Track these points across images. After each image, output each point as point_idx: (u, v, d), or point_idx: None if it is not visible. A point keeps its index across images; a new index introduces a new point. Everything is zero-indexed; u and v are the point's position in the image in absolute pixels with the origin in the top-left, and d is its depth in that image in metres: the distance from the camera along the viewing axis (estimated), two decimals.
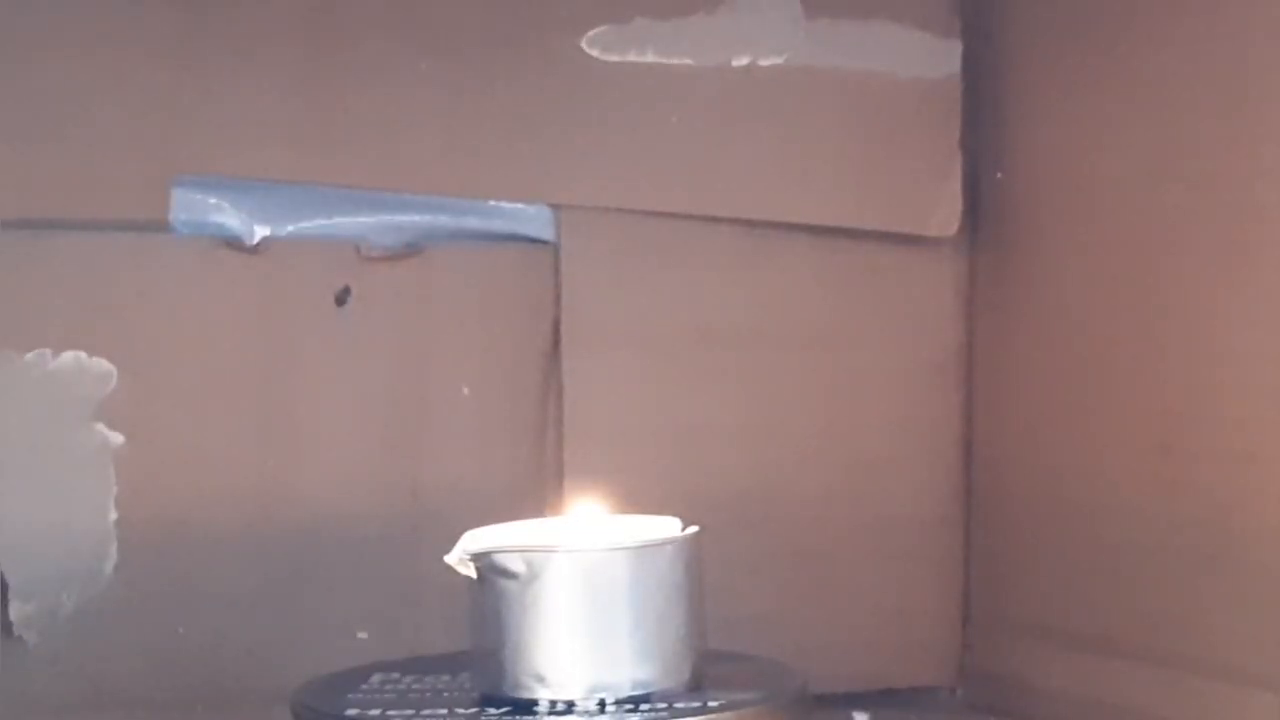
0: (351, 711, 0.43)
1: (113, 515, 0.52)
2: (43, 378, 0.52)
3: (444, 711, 0.43)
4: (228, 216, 0.54)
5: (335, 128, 0.54)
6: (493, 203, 0.56)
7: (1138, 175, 0.52)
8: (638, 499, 0.49)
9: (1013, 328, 0.58)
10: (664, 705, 0.42)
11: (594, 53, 0.55)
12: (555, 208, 0.56)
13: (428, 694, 0.45)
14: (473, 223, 0.56)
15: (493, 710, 0.43)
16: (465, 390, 0.55)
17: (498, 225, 0.56)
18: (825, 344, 0.58)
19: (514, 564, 0.43)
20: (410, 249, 0.55)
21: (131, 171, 0.52)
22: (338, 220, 0.55)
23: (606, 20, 0.55)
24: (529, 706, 0.43)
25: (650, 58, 0.56)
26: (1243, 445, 0.48)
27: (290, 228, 0.54)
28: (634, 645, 0.43)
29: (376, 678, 0.46)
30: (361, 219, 0.55)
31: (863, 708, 0.56)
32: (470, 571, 0.44)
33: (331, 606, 0.54)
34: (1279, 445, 0.47)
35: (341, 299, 0.54)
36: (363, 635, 0.54)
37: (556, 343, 0.56)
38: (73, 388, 0.52)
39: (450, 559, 0.44)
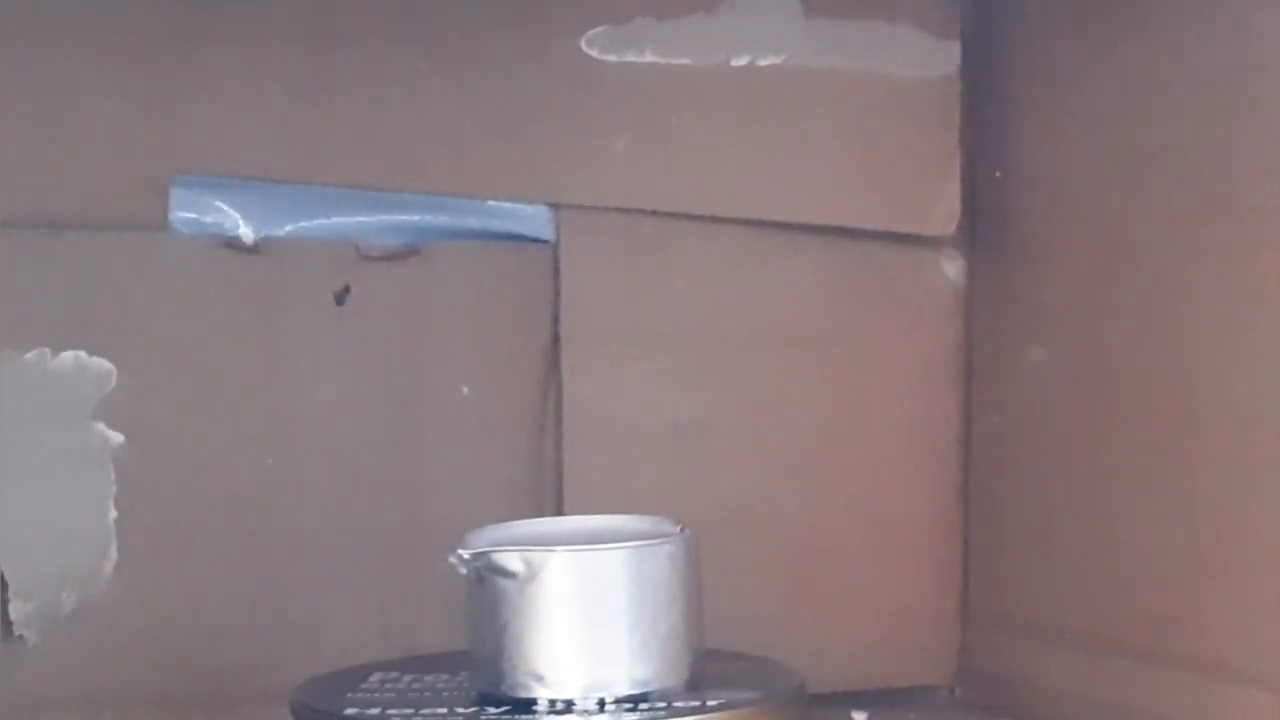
0: (351, 711, 0.43)
1: (113, 515, 0.52)
2: (43, 378, 0.52)
3: (443, 710, 0.43)
4: (228, 216, 0.54)
5: (335, 128, 0.54)
6: (492, 202, 0.56)
7: (1137, 174, 0.52)
8: (637, 499, 0.49)
9: (1012, 327, 0.58)
10: (662, 704, 0.43)
11: (594, 53, 0.55)
12: (555, 207, 0.56)
13: (427, 693, 0.45)
14: (472, 222, 0.56)
15: (491, 709, 0.43)
16: (465, 389, 0.55)
17: (497, 225, 0.56)
18: (825, 344, 0.58)
19: (512, 563, 0.43)
20: (410, 249, 0.55)
21: (131, 171, 0.52)
22: (337, 220, 0.55)
23: (606, 20, 0.55)
24: (528, 705, 0.43)
25: (650, 58, 0.56)
26: (1243, 445, 0.48)
27: (290, 227, 0.54)
28: (632, 644, 0.43)
29: (376, 677, 0.46)
30: (361, 219, 0.55)
31: (861, 707, 0.56)
32: (469, 571, 0.44)
33: (331, 606, 0.54)
34: (1279, 445, 0.47)
35: (341, 299, 0.54)
36: (363, 635, 0.54)
37: (556, 342, 0.56)
38: (73, 388, 0.52)
39: (450, 558, 0.44)
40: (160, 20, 0.52)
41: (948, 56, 0.58)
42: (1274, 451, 0.47)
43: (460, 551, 0.44)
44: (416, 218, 0.55)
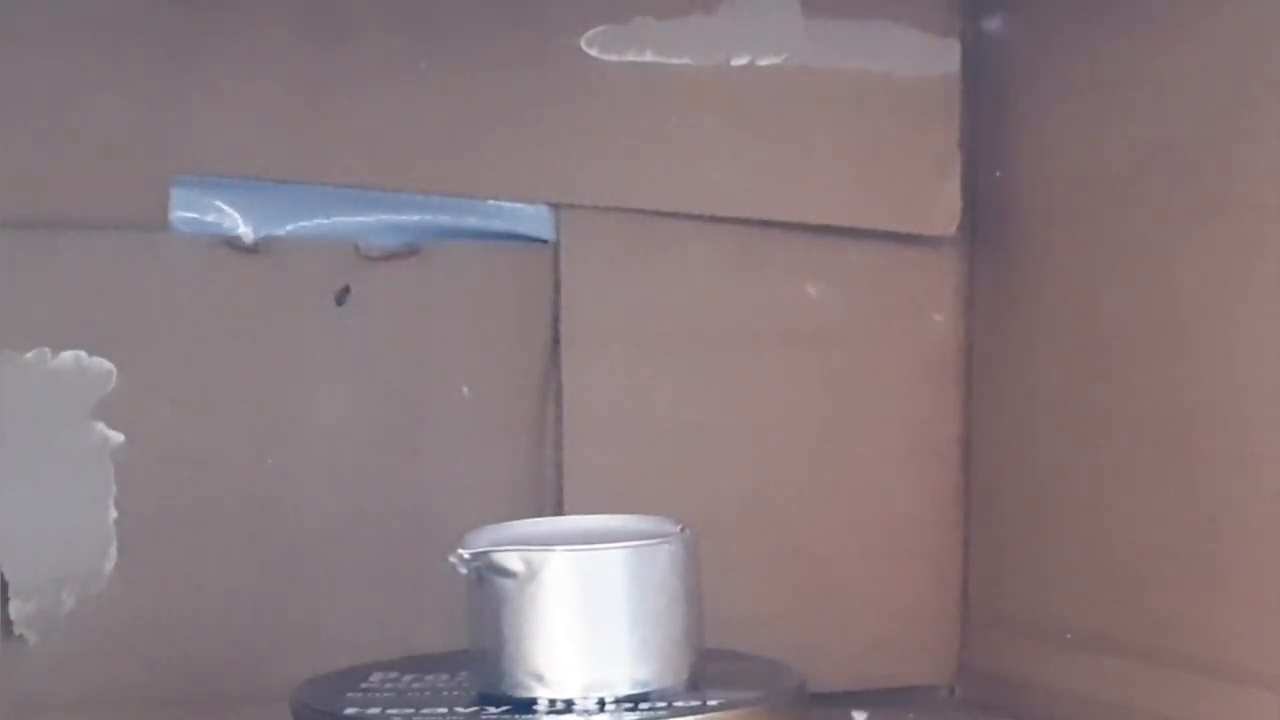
0: (351, 710, 0.43)
1: (113, 515, 0.52)
2: (43, 377, 0.52)
3: (443, 710, 0.43)
4: (227, 216, 0.54)
5: (335, 127, 0.54)
6: (492, 202, 0.56)
7: (1137, 174, 0.52)
8: (637, 499, 0.49)
9: (1012, 327, 0.58)
10: (662, 704, 0.43)
11: (594, 52, 0.55)
12: (555, 207, 0.56)
13: (427, 693, 0.45)
14: (472, 222, 0.56)
15: (491, 709, 0.43)
16: (465, 390, 0.55)
17: (497, 225, 0.56)
18: (825, 344, 0.58)
19: (512, 563, 0.43)
20: (410, 249, 0.55)
21: (131, 171, 0.52)
22: (337, 220, 0.55)
23: (606, 20, 0.55)
24: (528, 705, 0.43)
25: (650, 57, 0.56)
26: (1243, 445, 0.48)
27: (290, 227, 0.54)
28: (632, 644, 0.43)
29: (376, 676, 0.46)
30: (361, 219, 0.55)
31: (861, 706, 0.56)
32: (469, 570, 0.44)
33: (331, 606, 0.54)
34: (1279, 445, 0.47)
35: (341, 299, 0.54)
36: (363, 635, 0.54)
37: (556, 342, 0.56)
38: (73, 388, 0.52)
39: (450, 558, 0.44)
40: (160, 20, 0.52)
41: (948, 56, 0.58)
42: (1274, 451, 0.47)
43: (460, 551, 0.44)
44: (416, 218, 0.55)
